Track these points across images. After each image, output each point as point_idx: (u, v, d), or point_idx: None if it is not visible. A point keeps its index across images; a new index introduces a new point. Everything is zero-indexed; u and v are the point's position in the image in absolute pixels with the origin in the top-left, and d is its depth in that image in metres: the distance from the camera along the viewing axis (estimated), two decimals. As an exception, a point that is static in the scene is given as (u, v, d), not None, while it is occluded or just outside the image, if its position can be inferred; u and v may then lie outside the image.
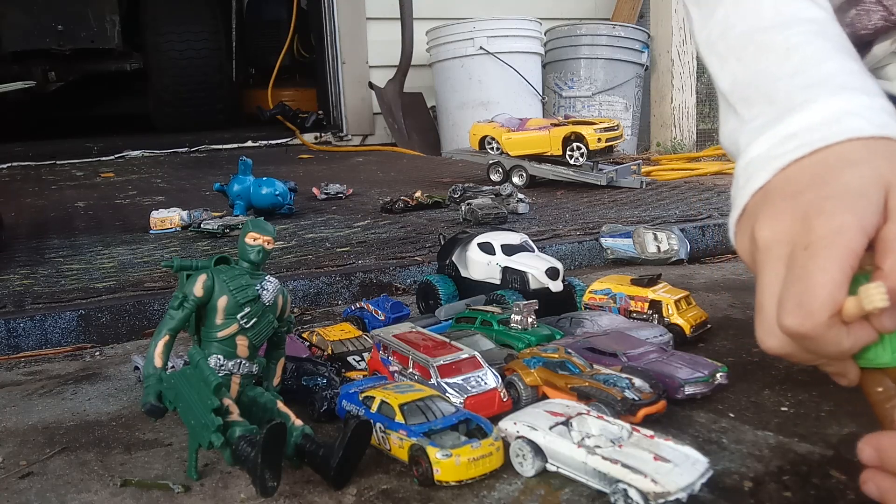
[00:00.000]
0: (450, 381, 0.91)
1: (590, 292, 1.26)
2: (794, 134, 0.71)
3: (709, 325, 1.20)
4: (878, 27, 0.94)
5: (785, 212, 0.68)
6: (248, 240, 0.86)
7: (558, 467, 0.77)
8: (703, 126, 4.61)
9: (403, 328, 1.05)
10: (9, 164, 3.96)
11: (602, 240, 1.79)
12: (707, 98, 4.66)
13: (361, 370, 1.06)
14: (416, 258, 1.68)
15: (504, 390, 0.93)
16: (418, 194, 2.42)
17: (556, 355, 0.96)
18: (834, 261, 0.63)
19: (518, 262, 1.27)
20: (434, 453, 0.76)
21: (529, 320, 1.10)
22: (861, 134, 0.68)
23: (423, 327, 1.07)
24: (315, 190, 2.66)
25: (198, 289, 0.84)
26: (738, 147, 0.77)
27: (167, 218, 2.17)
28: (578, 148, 2.55)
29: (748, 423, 0.89)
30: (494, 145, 2.73)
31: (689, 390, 0.93)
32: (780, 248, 0.67)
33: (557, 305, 1.24)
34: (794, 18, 0.78)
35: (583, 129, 2.54)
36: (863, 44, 0.95)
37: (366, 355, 1.08)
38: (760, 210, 0.70)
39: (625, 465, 0.71)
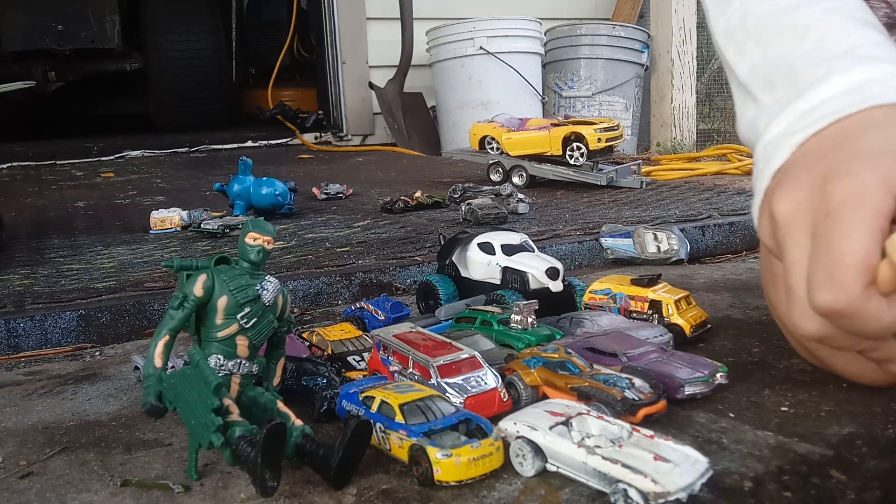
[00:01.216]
0: (450, 381, 0.91)
1: (590, 292, 1.26)
2: (815, 108, 0.67)
3: (709, 325, 1.20)
4: (882, 24, 0.94)
5: (804, 181, 0.63)
6: (248, 240, 0.86)
7: (558, 467, 0.77)
8: (703, 126, 4.62)
9: (403, 328, 1.05)
10: (9, 164, 3.96)
11: (602, 240, 1.79)
12: (707, 98, 4.66)
13: (361, 370, 1.06)
14: (416, 258, 1.68)
15: (504, 390, 0.93)
16: (418, 194, 2.42)
17: (556, 355, 0.96)
18: (859, 225, 0.58)
19: (518, 262, 1.27)
20: (434, 453, 0.76)
21: (529, 320, 1.10)
22: (885, 100, 0.64)
23: (423, 327, 1.07)
24: (315, 190, 2.66)
25: (198, 289, 0.84)
26: (757, 132, 0.72)
27: (167, 218, 2.17)
28: (578, 148, 2.55)
29: (748, 423, 0.89)
30: (494, 145, 2.73)
31: (689, 390, 0.93)
32: (803, 221, 0.62)
33: (557, 305, 1.24)
34: None
35: (583, 129, 2.54)
36: None
37: (366, 355, 1.08)
38: (779, 185, 0.66)
39: (625, 465, 0.71)
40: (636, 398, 0.86)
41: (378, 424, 0.83)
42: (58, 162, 4.05)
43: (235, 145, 4.49)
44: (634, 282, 1.23)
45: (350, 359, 1.09)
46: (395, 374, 0.98)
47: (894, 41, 0.95)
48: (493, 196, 2.23)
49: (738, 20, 0.81)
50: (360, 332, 1.16)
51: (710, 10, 0.86)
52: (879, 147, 0.60)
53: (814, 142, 0.66)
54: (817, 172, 0.62)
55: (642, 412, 0.85)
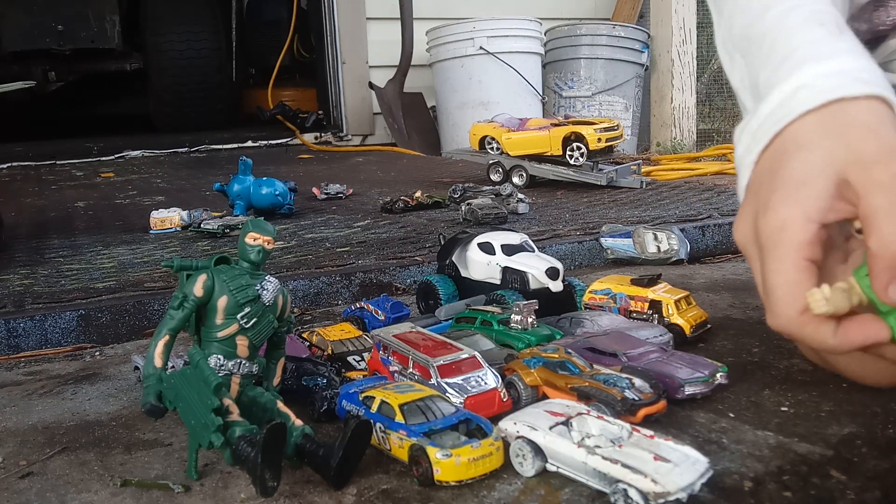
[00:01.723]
0: (450, 381, 0.91)
1: (590, 292, 1.26)
2: (760, 125, 0.69)
3: (709, 325, 1.20)
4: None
5: (748, 212, 0.67)
6: (248, 240, 0.86)
7: (558, 467, 0.77)
8: (703, 126, 4.62)
9: (403, 328, 1.05)
10: (9, 164, 3.96)
11: (602, 240, 1.79)
12: (707, 98, 4.66)
13: (361, 370, 1.06)
14: (416, 258, 1.68)
15: (504, 390, 0.93)
16: (418, 194, 2.42)
17: (556, 355, 0.96)
18: (781, 260, 0.62)
19: (518, 262, 1.27)
20: (434, 453, 0.76)
21: (529, 320, 1.10)
22: (809, 106, 0.65)
23: (423, 327, 1.07)
24: (315, 190, 2.66)
25: (198, 289, 0.84)
26: (740, 167, 0.74)
27: (167, 218, 2.17)
28: (578, 148, 2.55)
29: (748, 423, 0.89)
30: (494, 145, 2.73)
31: (689, 390, 0.93)
32: (752, 249, 0.66)
33: (557, 305, 1.24)
34: (772, 2, 0.75)
35: (583, 129, 2.54)
36: (879, 37, 0.96)
37: (366, 355, 1.08)
38: (738, 212, 0.70)
39: (625, 465, 0.71)
40: (636, 398, 0.86)
41: (378, 424, 0.83)
42: (58, 162, 4.05)
43: (235, 145, 4.49)
44: (634, 282, 1.23)
45: (350, 359, 1.09)
46: (395, 374, 0.98)
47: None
48: (493, 196, 2.23)
49: (726, 31, 0.82)
50: (360, 332, 1.16)
51: (714, 22, 0.87)
52: (798, 176, 0.63)
53: (760, 162, 0.68)
54: (754, 204, 0.66)
55: (642, 412, 0.85)
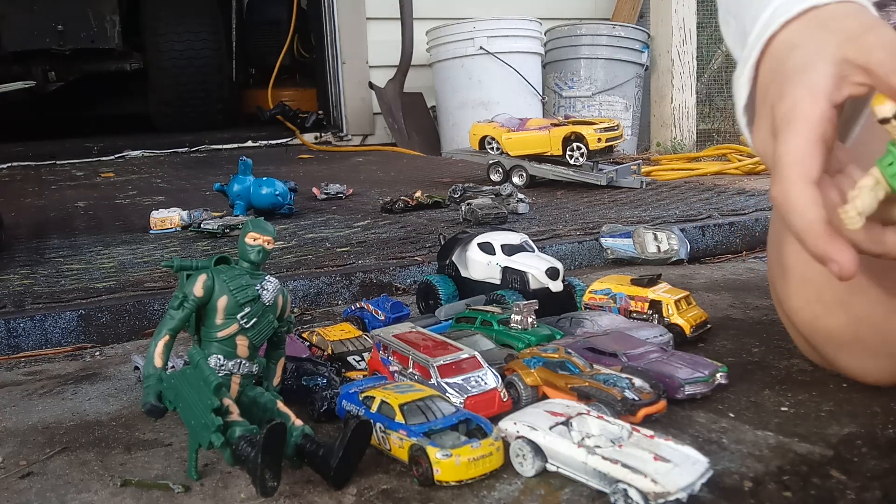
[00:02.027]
0: (450, 381, 0.91)
1: (590, 292, 1.26)
2: (750, 50, 0.76)
3: (709, 325, 1.20)
4: None
5: (763, 121, 0.73)
6: (248, 240, 0.86)
7: (558, 467, 0.77)
8: (703, 126, 4.61)
9: (403, 328, 1.05)
10: (9, 164, 3.96)
11: (602, 240, 1.79)
12: (707, 98, 4.65)
13: (361, 370, 1.06)
14: (416, 258, 1.68)
15: (504, 390, 0.93)
16: (418, 194, 2.42)
17: (556, 355, 0.96)
18: (793, 132, 0.67)
19: (518, 262, 1.27)
20: (434, 453, 0.76)
21: (529, 320, 1.10)
22: (788, 16, 0.73)
23: (423, 327, 1.07)
24: (315, 190, 2.66)
25: (198, 289, 0.84)
26: (737, 93, 0.81)
27: (167, 218, 2.17)
28: (578, 148, 2.55)
29: (748, 423, 0.89)
30: (494, 145, 2.73)
31: (689, 390, 0.93)
32: (771, 161, 0.71)
33: (557, 305, 1.24)
34: None
35: (583, 129, 2.54)
36: None
37: (366, 355, 1.08)
38: (753, 126, 0.76)
39: (625, 465, 0.71)
40: (636, 398, 0.86)
41: (378, 424, 0.83)
42: (58, 162, 4.05)
43: (235, 145, 4.49)
44: (634, 282, 1.23)
45: (350, 359, 1.09)
46: (395, 374, 0.98)
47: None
48: (493, 196, 2.23)
49: (723, 2, 0.91)
50: (360, 332, 1.16)
51: (719, 8, 0.95)
52: (800, 66, 0.69)
53: (760, 76, 0.76)
54: (766, 108, 0.72)
55: (642, 412, 0.85)
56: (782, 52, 0.72)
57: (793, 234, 0.68)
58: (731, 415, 0.91)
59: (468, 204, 2.08)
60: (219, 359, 0.85)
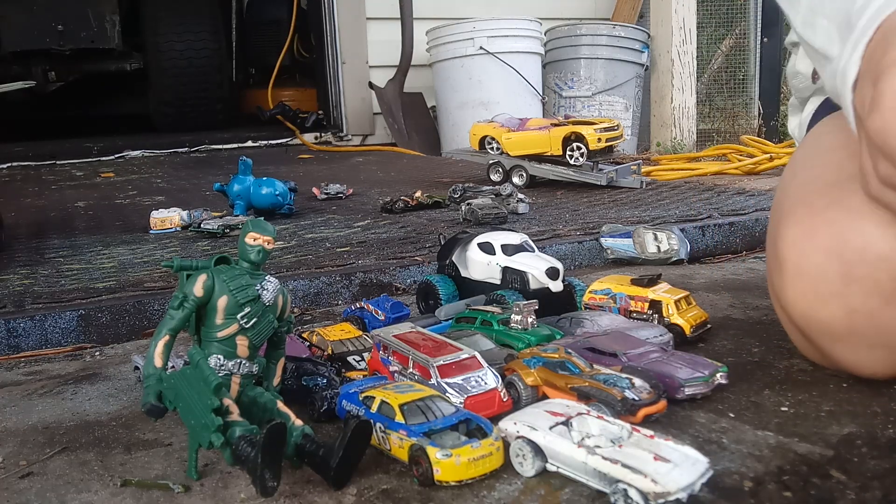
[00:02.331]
0: (450, 381, 0.91)
1: (590, 292, 1.26)
2: (862, 32, 0.84)
3: (709, 325, 1.20)
4: None
5: (867, 74, 0.81)
6: (248, 240, 0.86)
7: (558, 467, 0.77)
8: (703, 126, 4.61)
9: (403, 328, 1.05)
10: (9, 164, 3.96)
11: (602, 240, 1.79)
12: (707, 98, 4.66)
13: (361, 370, 1.06)
14: (416, 258, 1.68)
15: (504, 390, 0.93)
16: (418, 194, 2.42)
17: (556, 355, 0.96)
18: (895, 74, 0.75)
19: (518, 262, 1.27)
20: (434, 453, 0.76)
21: (529, 320, 1.10)
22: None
23: (423, 327, 1.07)
24: (315, 190, 2.66)
25: (198, 289, 0.84)
26: (845, 75, 0.87)
27: (167, 218, 2.17)
28: (578, 148, 2.55)
29: (748, 423, 0.89)
30: (494, 145, 2.73)
31: (689, 390, 0.93)
32: (866, 105, 0.79)
33: (557, 305, 1.24)
34: None
35: (583, 129, 2.54)
36: None
37: (366, 355, 1.08)
38: (871, 102, 0.81)
39: (625, 465, 0.71)
40: (636, 398, 0.86)
41: (378, 424, 0.83)
42: (58, 162, 4.05)
43: (235, 145, 4.49)
44: (634, 282, 1.23)
45: (350, 359, 1.09)
46: (395, 374, 0.98)
47: None
48: (493, 196, 2.23)
49: (802, 7, 0.97)
50: (360, 332, 1.16)
51: (789, 17, 1.02)
52: None
53: (869, 49, 0.83)
54: (873, 64, 0.80)
55: (642, 412, 0.85)
56: (891, 31, 0.80)
57: (886, 158, 0.76)
58: (731, 415, 0.91)
59: (468, 204, 2.08)
60: (219, 359, 0.85)
